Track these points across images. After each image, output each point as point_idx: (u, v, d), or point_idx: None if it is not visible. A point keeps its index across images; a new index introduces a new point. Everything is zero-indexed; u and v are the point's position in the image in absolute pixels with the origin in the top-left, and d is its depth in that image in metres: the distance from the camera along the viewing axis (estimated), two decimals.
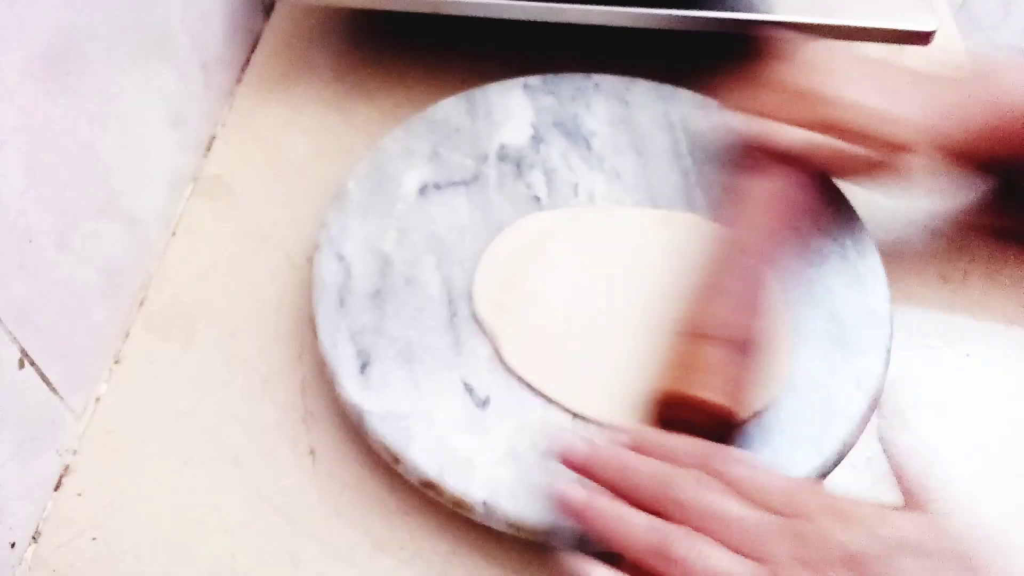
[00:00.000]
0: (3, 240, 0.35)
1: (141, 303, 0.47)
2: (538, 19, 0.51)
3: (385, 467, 0.40)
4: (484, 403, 0.40)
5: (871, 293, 0.43)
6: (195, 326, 0.46)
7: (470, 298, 0.43)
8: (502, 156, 0.49)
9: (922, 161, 0.42)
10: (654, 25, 0.50)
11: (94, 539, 0.39)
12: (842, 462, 0.38)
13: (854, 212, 0.46)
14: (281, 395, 0.43)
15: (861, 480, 0.39)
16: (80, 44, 0.40)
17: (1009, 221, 0.49)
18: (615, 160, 0.49)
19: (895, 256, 0.47)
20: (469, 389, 0.40)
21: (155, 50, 0.47)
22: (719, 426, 0.36)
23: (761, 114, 0.44)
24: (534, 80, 0.53)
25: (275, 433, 0.42)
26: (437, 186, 0.48)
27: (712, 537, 0.29)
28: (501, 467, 0.37)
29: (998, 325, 0.46)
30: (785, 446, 0.38)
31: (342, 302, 0.43)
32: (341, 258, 0.44)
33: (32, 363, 0.38)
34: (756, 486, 0.30)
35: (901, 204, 0.47)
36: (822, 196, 0.45)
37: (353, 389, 0.40)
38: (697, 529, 0.29)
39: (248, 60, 0.59)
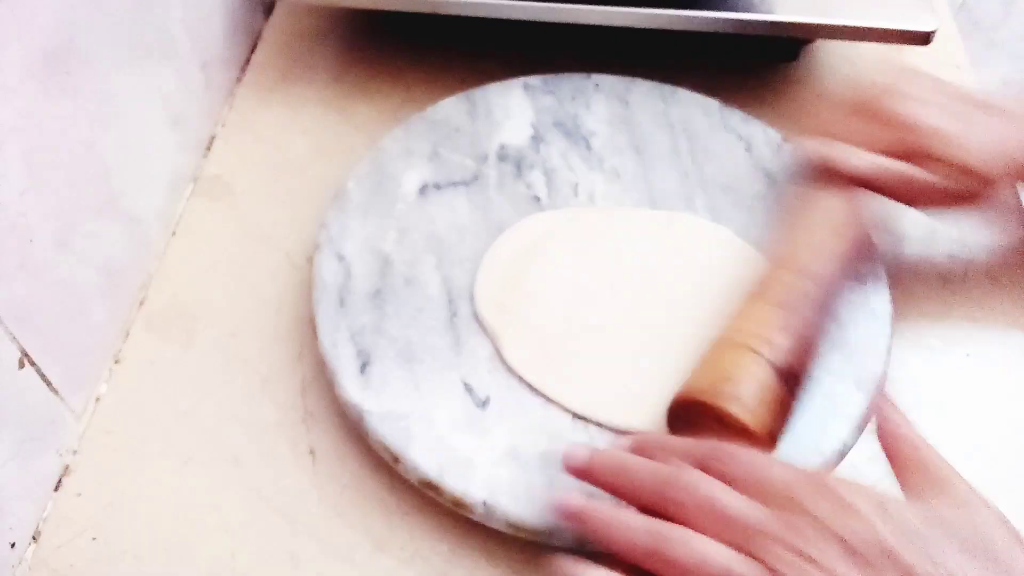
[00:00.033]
0: (3, 240, 0.35)
1: (141, 303, 0.47)
2: (538, 19, 0.51)
3: (385, 467, 0.40)
4: (484, 403, 0.40)
5: (871, 293, 0.43)
6: (195, 326, 0.46)
7: (470, 298, 0.43)
8: (502, 156, 0.49)
9: (1004, 194, 0.41)
10: (654, 25, 0.50)
11: (94, 539, 0.39)
12: (842, 462, 0.38)
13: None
14: (281, 395, 0.43)
15: (862, 481, 0.39)
16: (80, 44, 0.40)
17: None
18: (615, 160, 0.49)
19: (895, 256, 0.47)
20: (469, 389, 0.40)
21: (155, 50, 0.47)
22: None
23: (833, 135, 0.43)
24: (534, 80, 0.53)
25: (275, 433, 0.42)
26: (437, 186, 0.48)
27: (710, 535, 0.29)
28: (501, 467, 0.37)
29: (998, 325, 0.46)
30: (785, 446, 0.38)
31: (342, 302, 0.43)
32: (341, 258, 0.44)
33: (32, 363, 0.38)
34: (756, 480, 0.30)
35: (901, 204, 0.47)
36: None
37: (353, 389, 0.40)
38: (695, 528, 0.29)
39: (248, 60, 0.59)
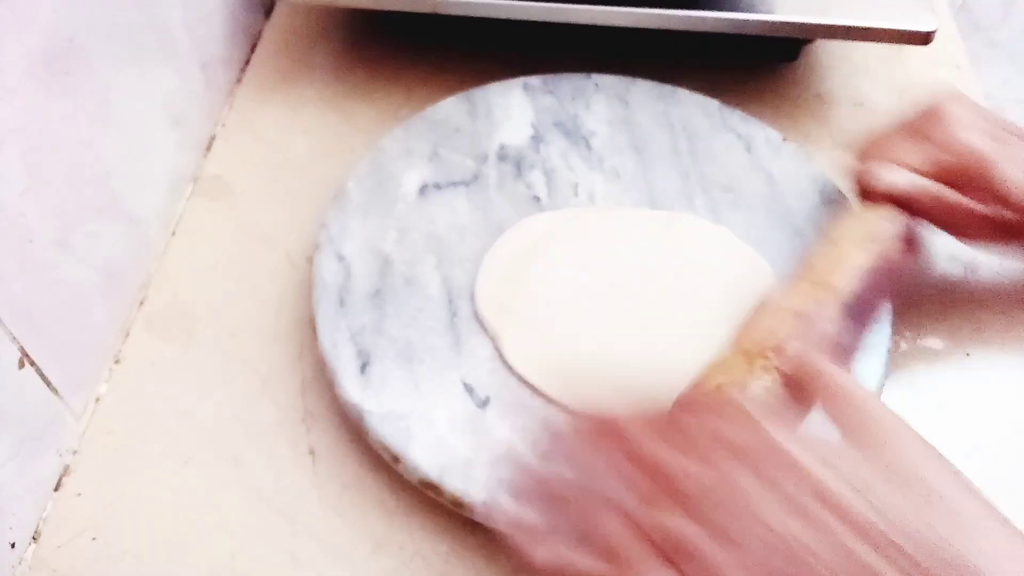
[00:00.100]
0: (3, 240, 0.35)
1: (141, 303, 0.47)
2: (538, 19, 0.51)
3: (385, 467, 0.40)
4: (484, 403, 0.40)
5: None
6: (195, 326, 0.46)
7: (470, 298, 0.43)
8: (502, 156, 0.49)
9: None
10: (654, 25, 0.50)
11: (94, 539, 0.39)
12: None
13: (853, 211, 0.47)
14: (281, 395, 0.43)
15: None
16: (80, 44, 0.40)
17: None
18: (615, 160, 0.49)
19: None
20: (469, 389, 0.40)
21: (155, 50, 0.47)
22: None
23: (875, 154, 0.43)
24: (534, 80, 0.53)
25: (275, 433, 0.42)
26: (437, 186, 0.48)
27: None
28: (501, 467, 0.37)
29: (998, 325, 0.46)
30: None
31: (342, 302, 0.43)
32: (341, 258, 0.44)
33: (32, 363, 0.38)
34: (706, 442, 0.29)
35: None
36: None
37: (353, 389, 0.40)
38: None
39: (248, 60, 0.59)
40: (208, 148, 0.54)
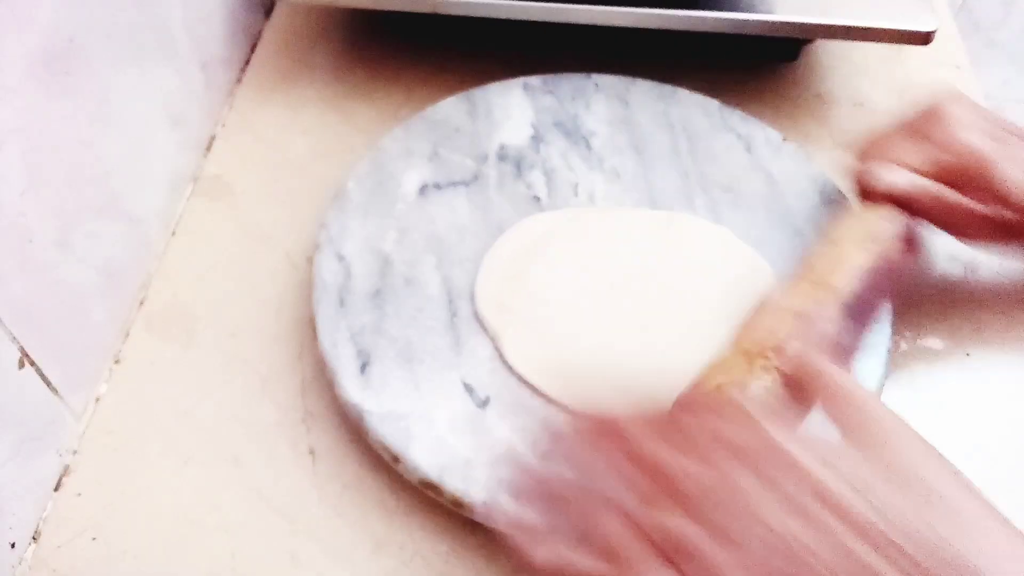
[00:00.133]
0: (3, 240, 0.35)
1: (141, 303, 0.47)
2: (538, 19, 0.51)
3: (385, 467, 0.40)
4: (484, 403, 0.40)
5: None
6: (195, 326, 0.46)
7: (470, 298, 0.43)
8: (502, 156, 0.49)
9: None
10: (654, 25, 0.50)
11: (94, 539, 0.39)
12: None
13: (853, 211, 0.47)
14: (281, 395, 0.43)
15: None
16: (80, 44, 0.40)
17: None
18: (615, 160, 0.50)
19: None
20: (469, 389, 0.40)
21: (155, 50, 0.47)
22: None
23: (875, 154, 0.42)
24: (534, 80, 0.53)
25: (275, 433, 0.42)
26: (437, 186, 0.48)
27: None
28: (501, 467, 0.37)
29: (998, 325, 0.46)
30: None
31: (342, 302, 0.43)
32: (341, 258, 0.44)
33: (32, 363, 0.38)
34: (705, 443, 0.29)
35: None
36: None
37: (353, 389, 0.40)
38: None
39: (248, 60, 0.59)
40: (208, 148, 0.54)
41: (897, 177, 0.41)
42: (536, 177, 0.49)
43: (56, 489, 0.40)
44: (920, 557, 0.24)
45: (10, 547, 0.37)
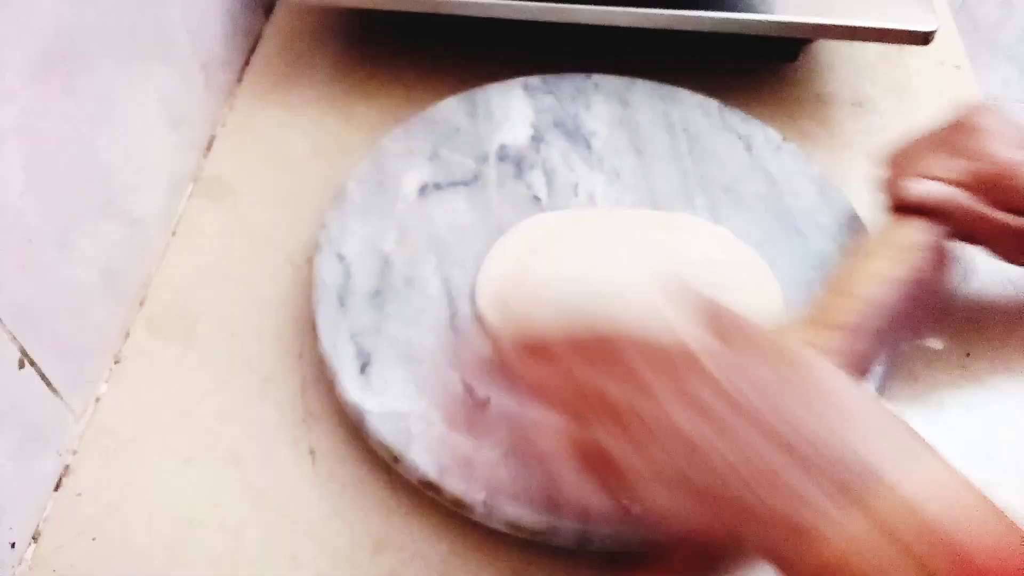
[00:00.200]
0: (3, 240, 0.35)
1: (141, 303, 0.47)
2: (538, 19, 0.51)
3: (385, 467, 0.40)
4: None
5: None
6: (195, 326, 0.46)
7: (470, 298, 0.43)
8: (502, 156, 0.49)
9: None
10: (654, 25, 0.50)
11: (94, 539, 0.39)
12: None
13: (854, 212, 0.47)
14: (281, 395, 0.43)
15: None
16: (80, 44, 0.40)
17: None
18: (615, 160, 0.49)
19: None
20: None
21: (155, 50, 0.47)
22: None
23: (905, 166, 0.42)
24: (534, 80, 0.53)
25: (275, 433, 0.42)
26: (437, 186, 0.48)
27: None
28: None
29: (998, 325, 0.46)
30: None
31: (342, 302, 0.43)
32: (341, 258, 0.44)
33: (32, 363, 0.38)
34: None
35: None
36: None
37: (353, 389, 0.40)
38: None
39: (248, 60, 0.59)
40: (208, 148, 0.54)
41: (929, 188, 0.40)
42: (536, 177, 0.49)
43: (56, 489, 0.40)
44: (814, 454, 0.26)
45: (10, 547, 0.37)
